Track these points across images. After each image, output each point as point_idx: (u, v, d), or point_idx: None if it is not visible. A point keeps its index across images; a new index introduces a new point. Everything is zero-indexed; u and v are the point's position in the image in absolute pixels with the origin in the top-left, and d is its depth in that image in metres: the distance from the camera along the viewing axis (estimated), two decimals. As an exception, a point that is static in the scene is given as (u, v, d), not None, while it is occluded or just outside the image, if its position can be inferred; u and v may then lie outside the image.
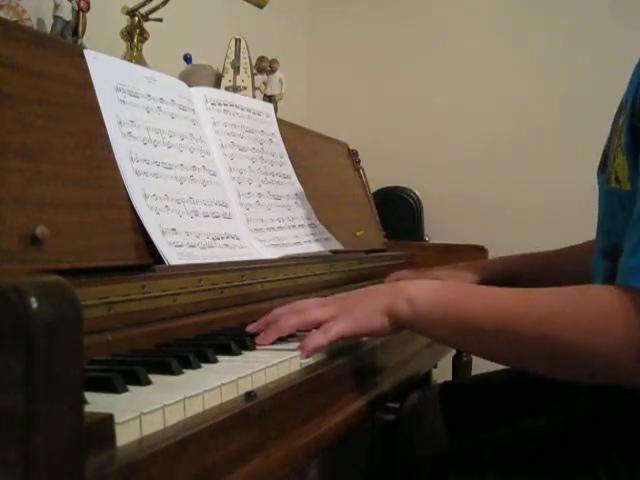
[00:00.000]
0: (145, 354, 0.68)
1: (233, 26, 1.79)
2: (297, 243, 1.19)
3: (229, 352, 0.68)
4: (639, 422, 0.74)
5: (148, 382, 0.54)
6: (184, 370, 0.59)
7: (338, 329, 0.71)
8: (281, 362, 0.65)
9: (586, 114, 2.16)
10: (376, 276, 1.39)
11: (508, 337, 0.66)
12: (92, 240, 0.75)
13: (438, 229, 2.41)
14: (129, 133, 0.88)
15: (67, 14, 1.24)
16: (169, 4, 1.37)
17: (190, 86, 1.09)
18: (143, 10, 1.36)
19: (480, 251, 1.60)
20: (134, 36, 1.35)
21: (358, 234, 1.53)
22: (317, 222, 1.31)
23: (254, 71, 1.63)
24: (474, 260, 1.48)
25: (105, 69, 0.89)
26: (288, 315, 0.74)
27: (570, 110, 2.26)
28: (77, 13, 1.26)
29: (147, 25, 1.38)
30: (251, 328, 0.77)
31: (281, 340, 0.75)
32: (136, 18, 1.35)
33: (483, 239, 1.65)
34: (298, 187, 1.31)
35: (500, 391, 1.01)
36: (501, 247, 1.63)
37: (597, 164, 0.85)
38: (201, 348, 0.66)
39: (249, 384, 0.58)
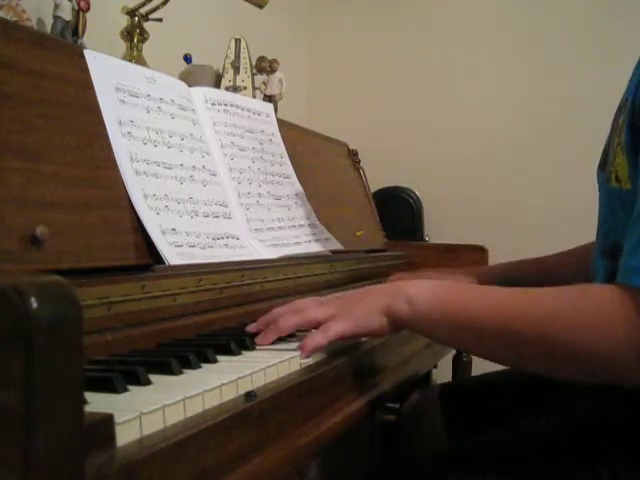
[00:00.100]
0: (145, 354, 0.68)
1: (233, 26, 1.79)
2: (297, 243, 1.19)
3: (229, 352, 0.68)
4: (639, 422, 0.74)
5: (148, 382, 0.54)
6: (184, 370, 0.59)
7: (337, 329, 0.71)
8: (281, 362, 0.65)
9: (586, 114, 2.16)
10: (376, 276, 1.39)
11: (508, 337, 0.66)
12: (92, 240, 0.75)
13: (438, 229, 2.41)
14: (129, 133, 0.88)
15: (67, 14, 1.24)
16: (169, 4, 1.37)
17: (190, 86, 1.09)
18: (143, 10, 1.35)
19: (480, 251, 1.60)
20: (134, 36, 1.35)
21: (358, 234, 1.53)
22: (317, 222, 1.31)
23: (254, 71, 1.63)
24: (474, 260, 1.48)
25: (105, 69, 0.89)
26: (287, 315, 0.74)
27: (570, 110, 2.26)
28: (77, 13, 1.26)
29: (147, 25, 1.37)
30: (251, 328, 0.77)
31: (281, 340, 0.75)
32: (136, 18, 1.35)
33: (483, 239, 1.65)
34: (298, 187, 1.31)
35: (500, 392, 1.01)
36: (501, 247, 1.64)
37: (597, 163, 0.85)
38: (201, 348, 0.66)
39: (249, 384, 0.58)
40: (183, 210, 0.92)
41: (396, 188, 2.46)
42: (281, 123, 1.34)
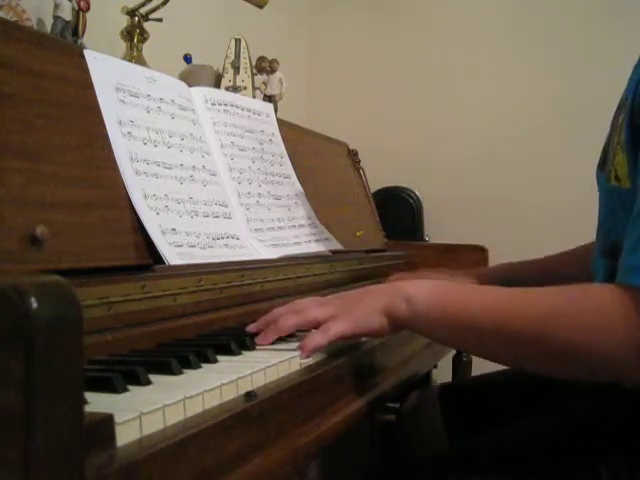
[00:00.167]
0: (145, 354, 0.68)
1: (233, 26, 1.79)
2: (297, 243, 1.19)
3: (229, 352, 0.68)
4: (639, 422, 0.74)
5: (148, 382, 0.54)
6: (184, 370, 0.59)
7: (337, 329, 0.71)
8: (281, 362, 0.65)
9: (586, 114, 2.16)
10: (376, 276, 1.39)
11: (507, 336, 0.66)
12: (92, 240, 0.75)
13: (438, 229, 2.41)
14: (129, 133, 0.88)
15: (67, 14, 1.24)
16: (169, 4, 1.37)
17: (190, 86, 1.09)
18: (143, 10, 1.35)
19: (480, 251, 1.60)
20: (134, 36, 1.35)
21: (358, 234, 1.53)
22: (317, 222, 1.31)
23: (254, 71, 1.63)
24: (474, 260, 1.48)
25: (105, 69, 0.89)
26: (287, 315, 0.74)
27: (570, 110, 2.26)
28: (77, 13, 1.26)
29: (147, 25, 1.37)
30: (251, 328, 0.77)
31: (281, 340, 0.75)
32: (136, 18, 1.35)
33: (483, 239, 1.65)
34: (298, 187, 1.31)
35: (500, 392, 1.01)
36: (501, 247, 1.64)
37: (597, 163, 0.85)
38: (201, 348, 0.66)
39: (249, 384, 0.58)
40: (183, 210, 0.92)
41: (396, 188, 2.46)
42: (281, 123, 1.34)
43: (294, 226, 1.22)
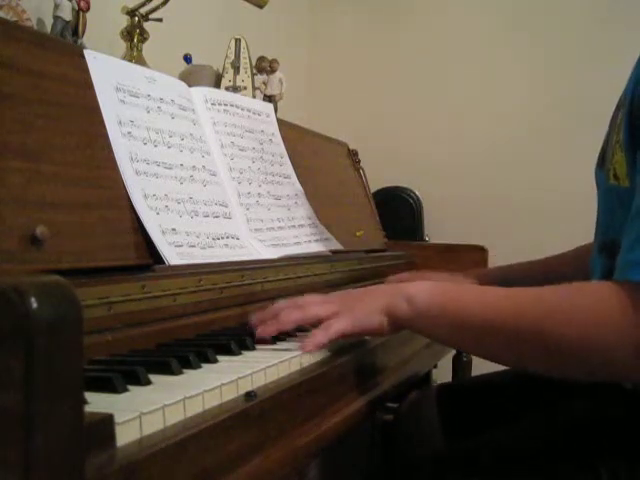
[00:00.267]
0: (145, 354, 0.68)
1: (233, 26, 1.79)
2: (297, 243, 1.19)
3: (229, 352, 0.68)
4: (639, 422, 0.74)
5: (148, 382, 0.54)
6: (184, 370, 0.59)
7: (339, 327, 0.71)
8: (281, 362, 0.65)
9: (586, 114, 2.16)
10: (376, 276, 1.39)
11: (507, 335, 0.66)
12: (92, 240, 0.75)
13: (438, 229, 2.42)
14: (129, 133, 0.88)
15: (67, 14, 1.24)
16: (169, 4, 1.37)
17: (190, 86, 1.09)
18: (143, 10, 1.35)
19: (480, 251, 1.59)
20: (134, 36, 1.35)
21: (358, 234, 1.53)
22: (317, 222, 1.31)
23: (254, 71, 1.63)
24: (474, 260, 1.48)
25: (105, 69, 0.89)
26: (289, 309, 0.74)
27: (570, 110, 2.26)
28: (77, 13, 1.26)
29: (147, 25, 1.37)
30: (254, 321, 0.77)
31: (281, 340, 0.76)
32: (136, 18, 1.35)
33: (483, 239, 1.65)
34: (298, 187, 1.31)
35: (499, 392, 1.01)
36: (501, 247, 1.64)
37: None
38: (201, 348, 0.66)
39: (249, 384, 0.58)
40: (183, 210, 0.92)
41: (396, 188, 2.46)
42: (281, 123, 1.34)
43: (294, 226, 1.22)
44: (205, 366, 0.62)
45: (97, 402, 0.46)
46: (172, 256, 0.84)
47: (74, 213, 0.74)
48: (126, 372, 0.54)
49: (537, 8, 2.34)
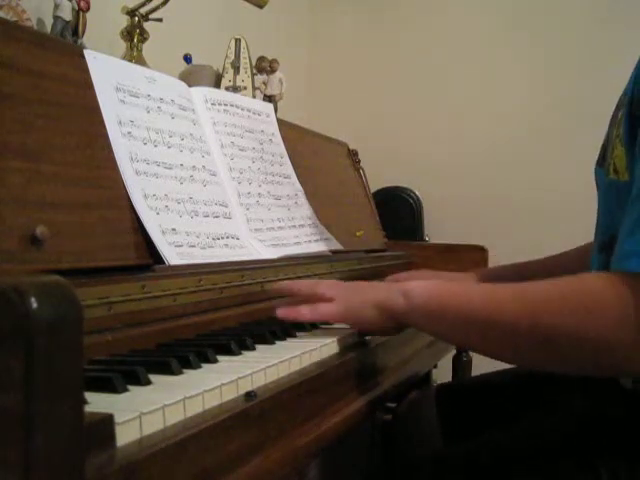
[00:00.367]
0: (145, 354, 0.68)
1: (233, 26, 1.79)
2: (297, 243, 1.19)
3: (229, 352, 0.68)
4: (639, 422, 0.74)
5: (148, 382, 0.54)
6: (184, 370, 0.59)
7: (326, 311, 0.76)
8: (281, 362, 0.65)
9: (586, 114, 2.15)
10: (376, 276, 1.39)
11: (503, 328, 0.66)
12: (92, 240, 0.75)
13: (438, 229, 2.41)
14: (129, 133, 0.88)
15: (67, 14, 1.24)
16: (169, 4, 1.37)
17: (190, 86, 1.09)
18: (143, 10, 1.35)
19: (480, 251, 1.59)
20: (134, 36, 1.35)
21: (358, 234, 1.53)
22: (317, 222, 1.31)
23: (254, 71, 1.63)
24: (474, 260, 1.48)
25: (105, 69, 0.89)
26: (302, 283, 0.85)
27: (570, 110, 2.26)
28: (77, 13, 1.26)
29: (147, 25, 1.37)
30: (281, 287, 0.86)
31: (281, 340, 0.76)
32: (136, 18, 1.35)
33: (483, 239, 1.65)
34: (298, 187, 1.31)
35: (498, 392, 1.01)
36: (501, 247, 1.64)
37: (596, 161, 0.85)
38: (201, 348, 0.66)
39: (249, 384, 0.58)
40: (183, 210, 0.92)
41: (396, 188, 2.46)
42: (281, 123, 1.34)
43: (294, 226, 1.22)
44: (205, 366, 0.62)
45: (97, 402, 0.46)
46: (172, 256, 0.84)
47: (74, 213, 0.74)
48: (126, 372, 0.54)
49: (537, 8, 2.34)
